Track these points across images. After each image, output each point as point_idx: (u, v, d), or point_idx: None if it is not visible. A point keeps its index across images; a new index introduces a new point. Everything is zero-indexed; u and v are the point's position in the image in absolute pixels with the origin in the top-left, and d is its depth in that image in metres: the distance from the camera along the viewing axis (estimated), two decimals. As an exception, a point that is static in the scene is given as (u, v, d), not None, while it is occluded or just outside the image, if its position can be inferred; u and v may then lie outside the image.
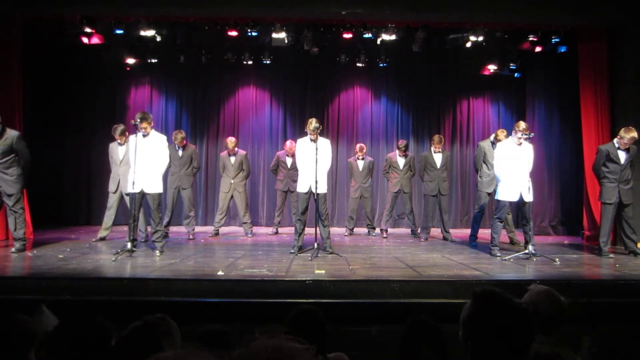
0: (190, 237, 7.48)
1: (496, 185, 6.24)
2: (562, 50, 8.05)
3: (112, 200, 7.02)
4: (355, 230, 8.51)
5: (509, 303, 1.46)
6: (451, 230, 7.99)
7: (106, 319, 1.78)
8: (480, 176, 7.11)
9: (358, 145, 8.49)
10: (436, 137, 7.88)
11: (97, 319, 1.77)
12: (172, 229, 7.91)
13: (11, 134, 5.80)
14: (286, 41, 7.89)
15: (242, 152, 8.17)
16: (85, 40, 7.72)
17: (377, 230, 8.40)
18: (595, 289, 4.49)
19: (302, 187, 6.06)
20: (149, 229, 6.57)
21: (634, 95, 7.02)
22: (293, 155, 7.52)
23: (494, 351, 1.41)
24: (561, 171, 8.88)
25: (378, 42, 8.02)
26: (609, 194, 6.10)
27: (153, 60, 8.70)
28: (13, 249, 5.77)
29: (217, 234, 7.90)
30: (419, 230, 8.06)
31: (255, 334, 0.91)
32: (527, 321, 1.45)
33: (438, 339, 1.98)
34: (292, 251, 6.02)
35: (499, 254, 5.92)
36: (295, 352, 0.84)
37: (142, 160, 5.72)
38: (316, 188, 5.84)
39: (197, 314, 3.91)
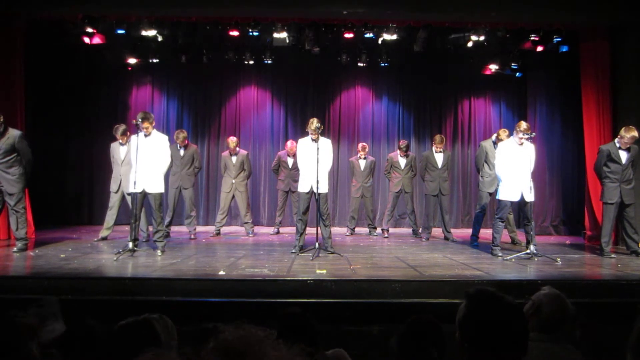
0: (192, 236, 7.49)
1: (497, 185, 6.24)
2: (564, 50, 8.03)
3: (114, 200, 7.03)
4: (357, 230, 8.51)
5: (502, 302, 1.47)
6: (452, 230, 7.99)
7: (96, 321, 1.79)
8: (481, 176, 7.10)
9: (360, 145, 8.48)
10: (437, 137, 7.88)
11: (86, 321, 1.79)
12: (174, 228, 7.92)
13: (13, 133, 5.80)
14: (287, 41, 7.89)
15: (243, 152, 8.17)
16: (87, 40, 7.72)
17: (378, 230, 8.40)
18: (597, 289, 4.48)
19: (303, 187, 6.06)
20: (151, 228, 6.58)
21: (636, 94, 7.00)
22: (294, 155, 7.52)
23: (490, 350, 1.41)
24: (563, 171, 8.87)
25: (379, 41, 8.01)
26: (610, 193, 6.08)
27: (154, 60, 8.71)
28: (15, 249, 5.78)
29: (218, 233, 7.91)
30: (420, 230, 8.05)
31: (219, 327, 0.93)
32: (521, 318, 1.46)
33: (438, 338, 1.98)
34: (293, 251, 6.02)
35: (500, 254, 5.91)
36: (261, 338, 0.88)
37: (144, 160, 5.72)
38: (317, 188, 5.84)
39: (198, 314, 3.91)
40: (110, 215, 7.04)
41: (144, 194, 5.86)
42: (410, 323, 2.02)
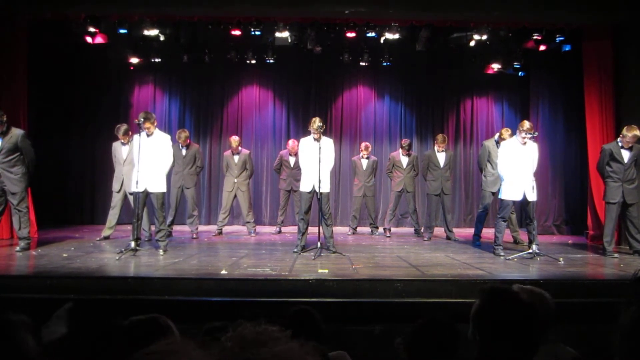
0: (194, 236, 7.50)
1: (500, 185, 6.22)
2: (567, 49, 8.01)
3: (116, 200, 7.05)
4: (359, 229, 8.51)
5: (516, 299, 1.47)
6: (454, 230, 7.97)
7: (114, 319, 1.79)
8: (484, 175, 7.09)
9: (363, 144, 8.48)
10: (440, 136, 7.87)
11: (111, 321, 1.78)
12: (176, 228, 7.92)
13: (16, 132, 5.82)
14: (289, 40, 7.89)
15: (245, 151, 8.18)
16: (89, 39, 7.73)
17: (380, 229, 8.39)
18: (600, 289, 4.47)
19: (305, 186, 6.06)
20: (153, 228, 6.58)
21: (639, 93, 6.98)
22: (296, 155, 7.52)
23: (501, 347, 1.41)
24: (565, 170, 8.86)
25: (381, 41, 8.00)
26: (612, 193, 6.07)
27: (157, 60, 8.72)
28: (18, 248, 5.80)
29: (220, 233, 7.91)
30: (422, 230, 8.05)
31: (239, 323, 0.93)
32: (535, 317, 1.46)
33: (453, 340, 1.92)
34: (295, 250, 6.02)
35: (502, 254, 5.90)
36: (277, 337, 0.88)
37: (146, 159, 5.73)
38: (319, 187, 5.84)
39: (200, 313, 3.92)
40: (113, 215, 7.06)
41: (146, 194, 5.87)
42: (423, 324, 1.97)
